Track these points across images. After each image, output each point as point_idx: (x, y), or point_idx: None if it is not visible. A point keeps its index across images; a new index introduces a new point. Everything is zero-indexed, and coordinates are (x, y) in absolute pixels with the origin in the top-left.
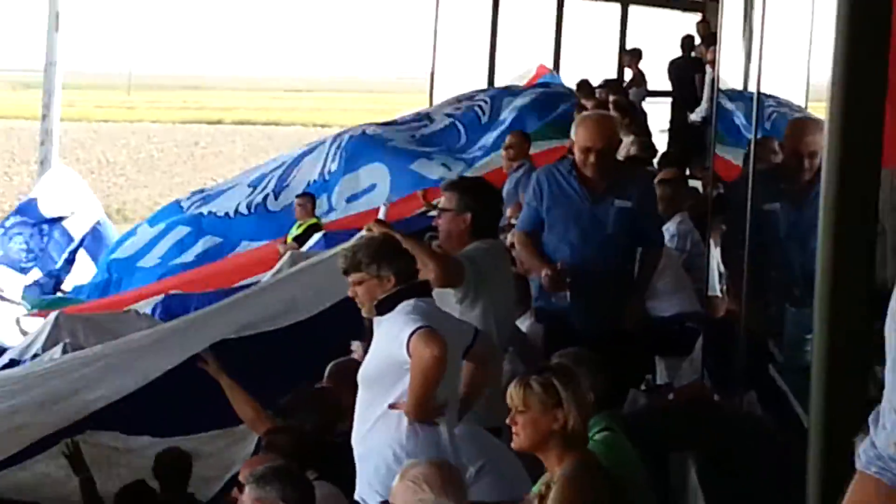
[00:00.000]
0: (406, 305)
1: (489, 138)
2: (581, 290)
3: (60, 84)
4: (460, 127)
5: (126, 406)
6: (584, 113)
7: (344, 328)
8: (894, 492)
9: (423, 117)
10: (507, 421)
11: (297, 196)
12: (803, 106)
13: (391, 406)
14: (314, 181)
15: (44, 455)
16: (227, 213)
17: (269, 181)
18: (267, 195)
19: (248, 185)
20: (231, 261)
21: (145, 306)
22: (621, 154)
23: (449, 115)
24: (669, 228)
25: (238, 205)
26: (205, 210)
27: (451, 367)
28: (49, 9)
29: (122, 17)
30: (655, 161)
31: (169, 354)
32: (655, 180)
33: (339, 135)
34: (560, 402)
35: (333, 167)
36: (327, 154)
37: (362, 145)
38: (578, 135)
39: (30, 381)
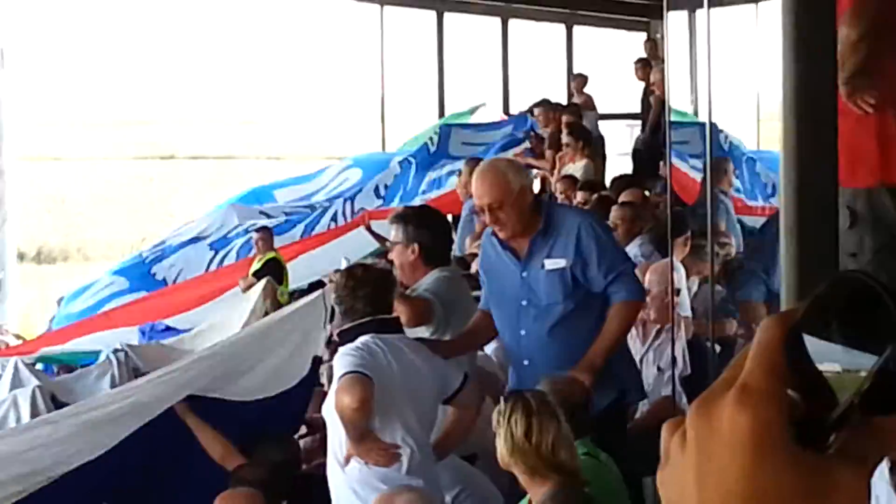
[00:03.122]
0: (359, 341)
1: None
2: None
3: (10, 120)
4: (411, 165)
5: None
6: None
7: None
8: None
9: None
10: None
11: (256, 230)
12: (755, 124)
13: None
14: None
15: None
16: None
17: (231, 247)
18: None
19: (210, 248)
20: (184, 287)
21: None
22: (577, 175)
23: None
24: (631, 251)
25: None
26: (159, 274)
27: (421, 408)
28: None
29: (67, 55)
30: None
31: (142, 412)
32: (618, 202)
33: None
34: (530, 429)
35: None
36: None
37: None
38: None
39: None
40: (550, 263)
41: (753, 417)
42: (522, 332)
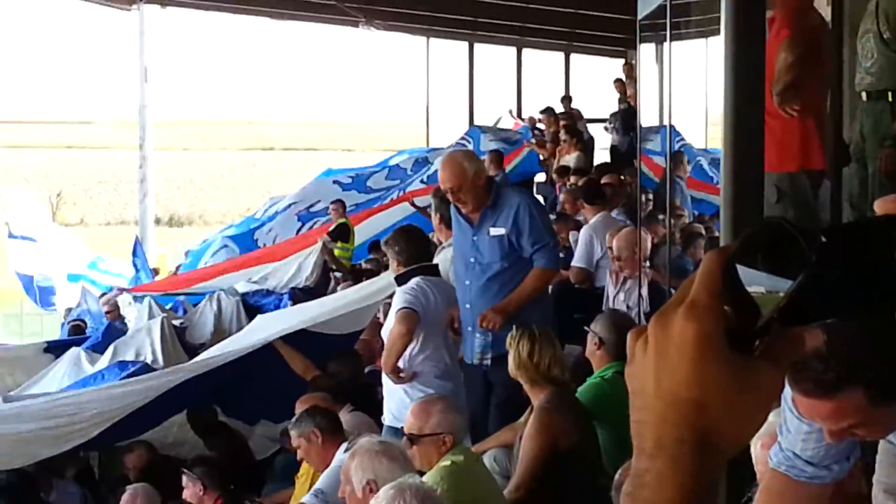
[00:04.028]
0: (412, 282)
1: None
2: (469, 322)
3: (152, 121)
4: None
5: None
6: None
7: None
8: (800, 483)
9: (424, 161)
10: None
11: (332, 202)
12: (703, 127)
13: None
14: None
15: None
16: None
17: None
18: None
19: (298, 220)
20: (278, 245)
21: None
22: (571, 164)
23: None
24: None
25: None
26: (260, 240)
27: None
28: (139, 64)
29: (193, 70)
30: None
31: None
32: (601, 182)
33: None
34: (533, 351)
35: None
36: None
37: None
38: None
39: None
40: (494, 230)
41: (698, 327)
42: (467, 283)
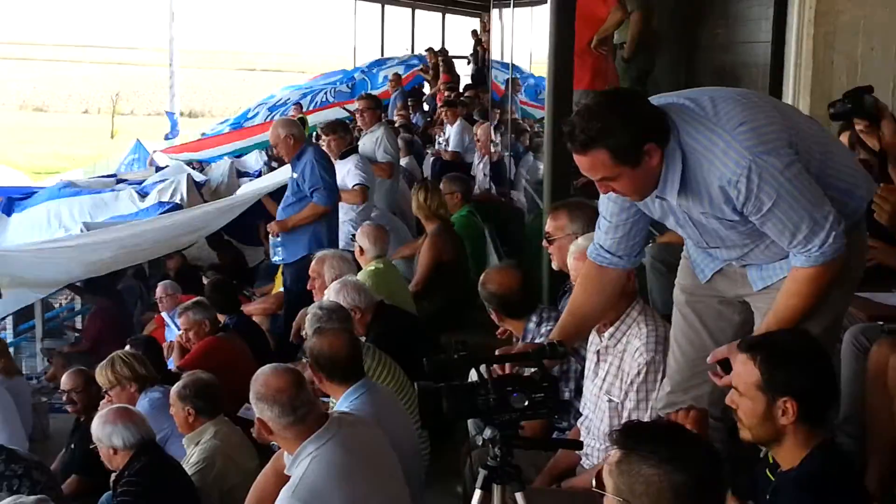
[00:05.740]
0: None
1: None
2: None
3: (177, 49)
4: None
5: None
6: None
7: None
8: (603, 267)
9: (351, 79)
10: None
11: (294, 104)
12: (528, 64)
13: None
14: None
15: None
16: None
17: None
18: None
19: (269, 112)
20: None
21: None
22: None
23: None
24: (477, 114)
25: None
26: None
27: None
28: (169, 9)
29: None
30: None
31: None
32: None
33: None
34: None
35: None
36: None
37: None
38: None
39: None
40: (293, 175)
41: None
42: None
